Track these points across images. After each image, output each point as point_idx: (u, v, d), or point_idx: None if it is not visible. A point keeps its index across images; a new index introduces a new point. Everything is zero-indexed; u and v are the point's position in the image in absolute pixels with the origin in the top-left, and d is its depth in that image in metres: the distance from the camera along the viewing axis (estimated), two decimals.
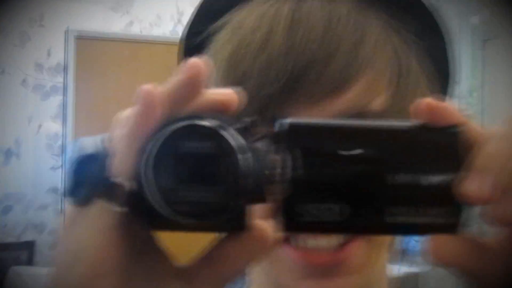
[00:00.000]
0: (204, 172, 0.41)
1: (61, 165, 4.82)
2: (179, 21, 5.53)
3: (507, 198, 0.38)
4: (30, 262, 4.94)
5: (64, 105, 4.78)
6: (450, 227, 0.41)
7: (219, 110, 0.43)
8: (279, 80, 0.64)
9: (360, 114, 0.65)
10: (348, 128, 0.44)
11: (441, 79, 0.77)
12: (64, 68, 4.72)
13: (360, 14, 0.68)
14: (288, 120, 0.42)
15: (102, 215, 0.43)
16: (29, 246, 4.99)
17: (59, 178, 4.84)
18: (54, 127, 5.07)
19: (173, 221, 0.40)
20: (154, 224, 0.43)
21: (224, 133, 0.40)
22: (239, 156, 0.40)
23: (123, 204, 0.42)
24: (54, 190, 5.12)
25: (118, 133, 0.42)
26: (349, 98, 0.64)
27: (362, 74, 0.65)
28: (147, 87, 0.40)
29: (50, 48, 5.02)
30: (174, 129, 0.39)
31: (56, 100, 4.97)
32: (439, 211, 0.41)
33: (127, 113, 0.42)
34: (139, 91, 0.40)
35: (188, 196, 0.41)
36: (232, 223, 0.43)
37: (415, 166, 0.42)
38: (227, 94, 0.44)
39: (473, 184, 0.38)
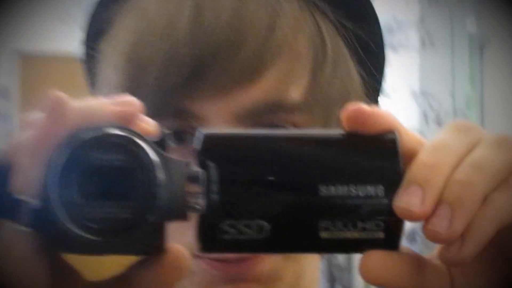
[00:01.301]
0: (116, 186, 0.41)
1: None
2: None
3: (439, 213, 0.39)
4: None
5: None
6: (387, 243, 0.41)
7: (124, 122, 0.42)
8: (183, 69, 0.64)
9: (276, 105, 0.65)
10: (271, 138, 0.45)
11: (374, 68, 0.76)
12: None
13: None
14: (204, 132, 0.43)
15: (6, 237, 0.42)
16: None
17: None
18: None
19: (83, 242, 0.40)
20: (64, 246, 0.42)
21: (140, 143, 0.41)
22: (156, 169, 0.41)
23: (29, 224, 0.40)
24: None
25: (21, 143, 0.41)
26: (262, 87, 0.63)
27: (277, 60, 0.65)
28: (58, 93, 0.40)
29: None
30: (84, 139, 0.39)
31: None
32: (374, 225, 0.42)
33: (32, 120, 0.41)
34: (47, 97, 0.40)
35: (98, 212, 0.40)
36: (147, 243, 0.42)
37: (346, 178, 0.42)
38: (127, 102, 0.43)
39: (403, 197, 0.39)
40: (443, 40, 4.27)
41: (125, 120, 0.41)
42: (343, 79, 0.71)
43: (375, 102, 0.80)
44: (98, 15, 0.74)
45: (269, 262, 0.67)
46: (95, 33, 0.75)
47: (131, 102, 0.42)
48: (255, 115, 0.64)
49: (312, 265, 0.75)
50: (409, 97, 4.20)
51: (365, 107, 0.42)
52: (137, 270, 0.43)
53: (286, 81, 0.66)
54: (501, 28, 4.28)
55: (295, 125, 0.67)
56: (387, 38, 0.81)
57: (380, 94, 0.81)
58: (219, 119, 0.64)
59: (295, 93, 0.65)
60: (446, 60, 4.34)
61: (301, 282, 0.74)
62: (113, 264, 0.46)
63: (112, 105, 0.42)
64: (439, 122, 4.16)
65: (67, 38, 4.80)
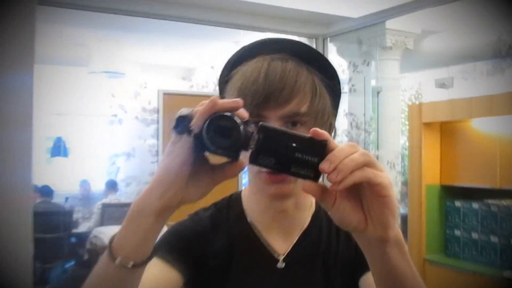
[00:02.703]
0: (226, 133, 0.70)
1: (157, 160, 5.89)
2: (216, 84, 6.74)
3: (336, 174, 0.65)
4: None
5: (157, 131, 5.95)
6: (314, 178, 0.69)
7: (233, 109, 0.71)
8: (260, 97, 0.94)
9: (296, 113, 0.96)
10: (280, 130, 0.72)
11: (335, 98, 1.06)
12: (158, 110, 5.88)
13: (296, 67, 0.99)
14: (261, 123, 0.72)
15: (184, 144, 0.72)
16: None
17: (155, 168, 5.68)
18: (152, 141, 6.56)
19: (212, 151, 0.71)
20: (202, 150, 0.72)
21: (234, 118, 0.70)
22: (240, 129, 0.69)
23: (193, 140, 0.70)
24: (151, 174, 6.09)
25: (198, 110, 0.71)
26: (290, 106, 0.95)
27: (296, 95, 0.96)
28: (213, 97, 0.69)
29: (149, 99, 6.71)
30: (217, 114, 0.70)
31: (153, 128, 6.46)
32: (310, 170, 0.69)
33: (203, 103, 0.71)
34: (211, 98, 0.70)
35: (219, 141, 0.71)
36: (234, 155, 0.73)
37: (307, 151, 0.69)
38: (236, 101, 0.72)
39: (322, 164, 0.67)
40: (360, 89, 5.46)
41: (233, 108, 0.71)
42: (324, 102, 1.02)
43: (336, 112, 1.09)
44: (224, 74, 1.06)
45: (289, 185, 0.99)
46: (224, 81, 1.06)
47: (238, 101, 0.72)
48: (287, 117, 0.97)
49: (304, 194, 1.03)
50: (343, 114, 5.24)
51: (318, 130, 0.69)
52: (228, 164, 0.75)
53: (300, 103, 0.97)
54: (387, 83, 5.63)
55: (303, 123, 0.98)
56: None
57: (337, 109, 1.09)
58: (273, 118, 0.96)
59: (304, 108, 0.96)
60: (361, 98, 5.46)
61: (299, 199, 1.09)
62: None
63: (229, 102, 0.71)
64: (358, 127, 5.30)
65: (183, 86, 6.92)
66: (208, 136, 0.69)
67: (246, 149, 0.70)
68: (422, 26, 5.52)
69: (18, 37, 0.61)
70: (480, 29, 4.91)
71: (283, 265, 1.04)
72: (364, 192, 0.69)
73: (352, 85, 5.57)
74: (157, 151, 5.70)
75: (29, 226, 0.52)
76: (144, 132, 6.86)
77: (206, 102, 0.69)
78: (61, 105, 7.30)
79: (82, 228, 6.30)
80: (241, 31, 5.36)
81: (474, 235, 3.97)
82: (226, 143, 0.70)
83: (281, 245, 1.07)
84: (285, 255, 1.06)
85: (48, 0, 4.10)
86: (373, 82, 5.68)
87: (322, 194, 0.69)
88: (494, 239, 3.80)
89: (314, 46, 5.35)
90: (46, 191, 6.13)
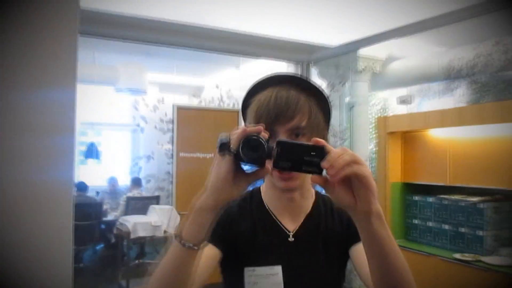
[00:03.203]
0: (255, 149, 0.80)
1: (172, 161, 5.54)
2: (220, 100, 6.74)
3: (333, 169, 0.75)
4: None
5: (172, 138, 5.60)
6: (319, 173, 0.78)
7: (258, 132, 0.81)
8: (272, 116, 1.04)
9: (298, 127, 1.04)
10: (292, 142, 0.82)
11: (326, 117, 1.13)
12: (173, 121, 5.56)
13: (297, 94, 1.07)
14: (278, 139, 0.81)
15: (227, 161, 0.83)
16: (156, 198, 6.36)
17: (171, 167, 5.61)
18: (168, 146, 6.48)
19: (246, 162, 0.81)
20: (239, 161, 0.83)
21: (260, 138, 0.80)
22: (264, 145, 0.80)
23: (233, 156, 0.82)
24: (167, 173, 6.48)
25: (234, 134, 0.82)
26: (294, 121, 1.04)
27: (298, 113, 1.05)
28: (243, 126, 0.83)
29: (166, 112, 6.66)
30: (248, 136, 0.81)
31: (169, 135, 6.19)
32: (315, 168, 0.78)
33: (237, 130, 0.81)
34: (243, 127, 0.82)
35: (250, 155, 0.82)
36: (261, 163, 0.82)
37: (311, 154, 0.77)
38: (259, 126, 0.83)
39: (323, 163, 0.76)
40: (337, 104, 5.49)
41: (258, 131, 0.81)
42: (318, 118, 1.09)
43: (328, 125, 1.15)
44: (245, 101, 1.14)
45: (295, 181, 1.09)
46: (245, 107, 1.15)
47: (260, 127, 0.82)
48: (292, 130, 1.05)
49: (307, 182, 1.16)
50: None
51: (318, 139, 0.79)
52: (257, 170, 0.84)
53: (301, 120, 1.04)
54: (359, 100, 5.55)
55: (304, 134, 1.06)
56: None
57: (329, 123, 1.15)
58: (282, 131, 1.05)
59: (303, 123, 1.04)
60: (337, 112, 5.48)
61: (303, 191, 1.20)
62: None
63: (255, 128, 0.82)
64: (334, 136, 5.35)
65: (194, 101, 6.77)
66: (242, 152, 0.80)
67: (269, 158, 0.80)
68: (387, 54, 5.54)
69: (64, 60, 0.62)
70: (434, 56, 4.83)
71: (293, 239, 1.15)
72: (353, 181, 0.78)
73: (330, 101, 5.59)
74: (172, 154, 5.50)
75: (70, 216, 0.53)
76: (161, 139, 6.87)
77: (239, 130, 0.81)
78: (93, 116, 7.29)
79: (110, 216, 6.30)
80: (240, 57, 5.40)
81: (429, 224, 3.98)
82: (255, 156, 0.80)
83: (290, 225, 1.17)
84: (294, 232, 1.16)
85: (87, 31, 4.19)
86: (347, 99, 5.72)
87: (325, 183, 0.80)
88: (445, 226, 3.82)
89: (299, 70, 5.45)
90: (82, 187, 6.16)
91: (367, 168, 0.78)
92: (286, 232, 1.16)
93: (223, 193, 0.83)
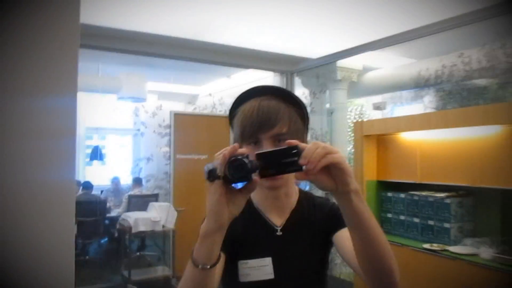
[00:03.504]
0: (239, 168, 0.77)
1: (169, 163, 5.44)
2: (213, 106, 6.81)
3: (311, 164, 0.76)
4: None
5: (169, 141, 5.51)
6: (299, 170, 0.77)
7: (236, 152, 0.79)
8: (256, 126, 1.03)
9: (279, 134, 1.03)
10: (269, 151, 0.80)
11: (304, 122, 1.11)
12: (170, 126, 5.46)
13: (277, 103, 1.06)
14: (257, 152, 0.79)
15: (217, 185, 0.81)
16: (155, 196, 6.28)
17: (168, 168, 5.53)
18: (166, 149, 6.42)
19: (235, 181, 0.79)
20: (229, 183, 0.80)
21: (242, 158, 0.77)
22: (246, 163, 0.77)
23: (222, 180, 0.79)
24: (165, 173, 6.44)
25: (218, 161, 0.78)
26: (276, 129, 1.03)
27: (279, 122, 1.04)
28: (223, 152, 0.79)
29: (163, 118, 6.62)
30: (232, 157, 0.77)
31: (167, 139, 6.17)
32: (295, 166, 0.77)
33: (221, 152, 0.78)
34: (223, 153, 0.79)
35: (237, 175, 0.78)
36: (249, 178, 0.79)
37: (288, 156, 0.76)
38: (234, 146, 0.80)
39: (300, 159, 0.76)
40: (318, 110, 5.74)
41: (235, 151, 0.79)
42: (297, 125, 1.08)
43: (307, 131, 1.15)
44: (232, 111, 1.13)
45: (280, 179, 1.09)
46: (231, 117, 1.13)
47: (235, 146, 0.79)
48: (275, 137, 1.04)
49: (290, 181, 1.18)
50: None
51: (290, 140, 0.79)
52: (248, 184, 0.81)
53: (282, 127, 1.03)
54: (338, 106, 5.57)
55: (285, 140, 0.90)
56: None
57: (307, 128, 1.15)
58: (265, 138, 1.03)
59: (284, 130, 1.03)
60: (318, 117, 5.59)
61: (287, 189, 1.19)
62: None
63: (232, 149, 0.79)
64: (316, 138, 5.52)
65: (189, 108, 6.69)
66: (230, 174, 0.78)
67: (254, 172, 0.79)
68: (363, 65, 5.52)
69: (66, 72, 0.61)
70: (405, 67, 4.83)
71: (280, 233, 1.15)
72: (331, 168, 0.79)
73: (312, 108, 5.69)
74: (170, 156, 5.43)
75: (72, 213, 0.52)
76: (160, 142, 6.82)
77: (220, 155, 0.79)
78: (98, 122, 7.27)
79: (113, 213, 6.24)
80: (231, 68, 5.40)
81: (401, 217, 3.96)
82: (241, 174, 0.78)
83: (278, 220, 1.17)
84: (281, 227, 1.16)
85: (92, 45, 4.19)
86: (327, 105, 5.73)
87: (307, 176, 0.78)
88: (415, 220, 3.81)
89: (284, 79, 5.46)
90: (87, 185, 6.12)
91: (340, 154, 0.79)
92: (274, 227, 1.16)
93: (222, 214, 0.82)
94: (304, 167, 0.77)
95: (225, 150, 0.79)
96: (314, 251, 1.18)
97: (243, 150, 0.80)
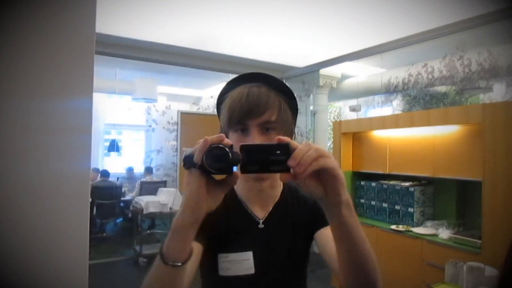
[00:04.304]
0: (219, 158, 0.61)
1: (176, 154, 5.57)
2: (214, 107, 6.76)
3: (300, 166, 0.59)
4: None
5: (176, 136, 5.53)
6: (286, 171, 0.61)
7: (220, 141, 0.63)
8: (244, 111, 0.86)
9: (268, 121, 0.86)
10: (255, 145, 0.63)
11: (294, 113, 0.94)
12: (177, 123, 5.47)
13: (267, 91, 0.89)
14: (242, 144, 0.61)
15: (196, 174, 0.64)
16: (164, 182, 6.21)
17: (175, 159, 5.73)
18: (173, 143, 6.36)
19: (213, 173, 0.61)
20: (207, 173, 0.63)
21: (224, 147, 0.61)
22: (228, 153, 0.61)
23: (199, 169, 0.62)
24: (172, 163, 6.49)
25: (198, 147, 0.62)
26: (265, 116, 0.86)
27: (269, 109, 0.87)
28: (207, 137, 0.61)
29: (172, 116, 6.45)
30: (212, 146, 0.61)
31: (174, 134, 6.14)
32: (282, 166, 0.61)
33: (200, 142, 0.62)
34: (205, 138, 0.61)
35: (216, 165, 0.62)
36: (229, 171, 0.63)
37: (277, 154, 0.60)
38: (220, 135, 0.63)
39: (289, 160, 0.60)
40: (303, 111, 5.62)
41: (220, 140, 0.62)
42: (286, 114, 0.91)
43: (295, 121, 0.96)
44: (219, 98, 0.96)
45: (268, 175, 0.93)
46: (219, 102, 0.96)
47: (221, 135, 0.63)
48: (262, 124, 0.87)
49: (276, 176, 0.95)
50: None
51: (281, 137, 0.62)
52: (228, 177, 0.65)
53: (271, 114, 0.87)
54: (320, 108, 5.58)
55: (273, 128, 0.87)
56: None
57: (296, 119, 0.96)
58: (253, 125, 0.86)
59: (273, 118, 0.87)
60: (303, 117, 5.54)
61: (272, 181, 1.01)
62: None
63: (217, 137, 0.62)
64: (301, 135, 5.52)
65: (194, 108, 6.59)
66: (207, 163, 0.61)
67: (236, 165, 0.62)
68: (341, 73, 5.48)
69: (84, 76, 0.60)
70: (377, 75, 4.81)
71: (263, 226, 0.97)
72: (322, 173, 0.62)
73: (299, 109, 5.51)
74: (177, 149, 5.38)
75: (87, 195, 0.51)
76: (168, 137, 6.71)
77: (200, 141, 0.62)
78: (115, 119, 7.15)
79: (127, 197, 6.15)
80: (230, 74, 5.36)
81: (372, 203, 3.95)
82: (221, 165, 0.61)
83: (260, 213, 0.99)
84: (263, 219, 0.98)
85: (110, 53, 4.16)
86: (311, 107, 5.70)
87: (294, 178, 0.62)
88: (384, 205, 3.80)
89: None
90: (105, 173, 6.02)
91: (334, 160, 0.63)
92: (256, 220, 0.98)
93: (199, 207, 0.65)
94: (292, 169, 0.62)
95: (209, 138, 0.62)
96: (296, 245, 1.00)
97: (228, 141, 0.64)
